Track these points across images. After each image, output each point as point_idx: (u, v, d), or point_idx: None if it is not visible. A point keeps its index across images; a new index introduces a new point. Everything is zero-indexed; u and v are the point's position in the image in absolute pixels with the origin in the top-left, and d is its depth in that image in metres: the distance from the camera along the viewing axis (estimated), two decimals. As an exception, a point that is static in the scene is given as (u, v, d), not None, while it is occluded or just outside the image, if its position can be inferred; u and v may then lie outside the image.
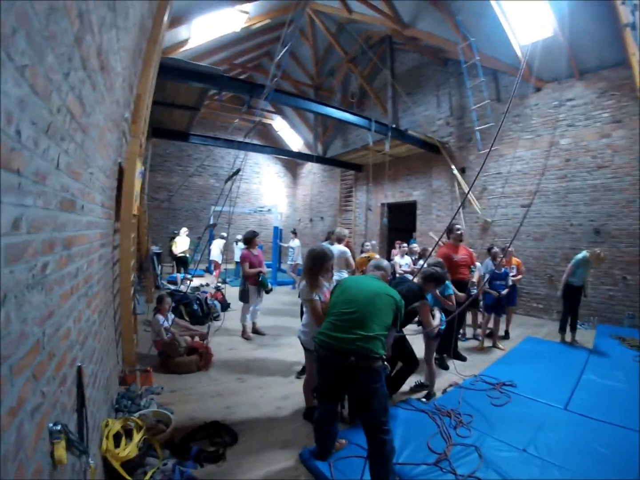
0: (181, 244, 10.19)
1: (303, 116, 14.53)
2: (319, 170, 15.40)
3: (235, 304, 6.57)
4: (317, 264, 2.92)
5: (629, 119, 6.35)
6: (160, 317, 4.11)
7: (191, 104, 7.29)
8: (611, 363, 4.51)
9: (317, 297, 2.88)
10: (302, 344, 3.11)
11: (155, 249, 9.49)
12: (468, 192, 6.31)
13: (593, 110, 6.82)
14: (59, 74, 1.23)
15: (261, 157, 16.62)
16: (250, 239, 5.50)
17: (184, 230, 10.40)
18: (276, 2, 8.97)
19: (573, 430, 2.93)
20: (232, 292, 7.37)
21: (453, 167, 9.01)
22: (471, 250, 5.34)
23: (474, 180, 4.72)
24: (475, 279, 4.94)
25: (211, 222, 5.10)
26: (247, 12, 8.18)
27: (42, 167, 1.11)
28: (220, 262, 10.26)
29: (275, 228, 11.59)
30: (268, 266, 8.27)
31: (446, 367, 4.43)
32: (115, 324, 3.28)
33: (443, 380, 3.99)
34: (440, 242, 5.12)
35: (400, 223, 12.48)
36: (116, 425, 2.33)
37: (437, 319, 3.43)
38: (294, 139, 15.85)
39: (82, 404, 1.61)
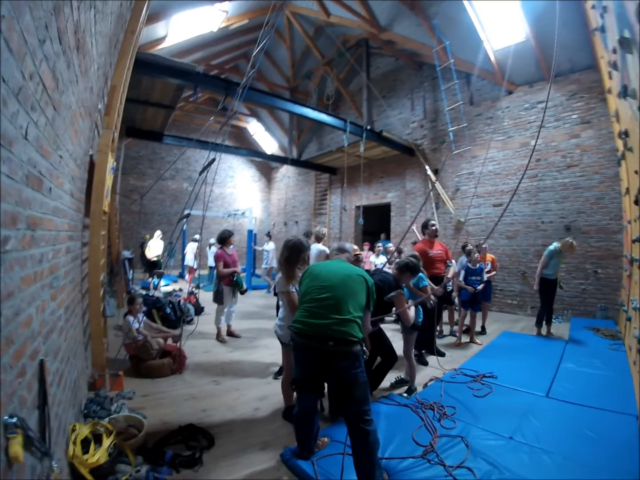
0: (154, 247, 9.88)
1: (278, 119, 14.50)
2: (294, 174, 15.38)
3: (209, 308, 6.45)
4: (293, 255, 2.90)
5: (598, 120, 6.65)
6: (131, 318, 3.91)
7: (166, 102, 7.08)
8: (588, 352, 4.64)
9: (293, 289, 2.87)
10: (278, 338, 3.04)
11: (126, 253, 9.12)
12: (431, 191, 6.41)
13: (563, 112, 7.11)
14: (35, 38, 1.22)
15: (235, 161, 16.47)
16: (224, 238, 5.41)
17: (157, 234, 10.08)
18: (255, 3, 8.92)
19: (557, 416, 2.97)
20: (205, 297, 7.34)
21: (427, 168, 9.16)
22: (446, 245, 5.40)
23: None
24: (450, 275, 5.01)
25: (185, 213, 4.89)
26: (225, 12, 8.10)
27: (9, 130, 1.07)
28: (194, 266, 9.97)
29: (250, 232, 11.41)
30: (242, 270, 8.13)
31: (425, 363, 4.44)
32: (83, 325, 3.09)
33: (423, 376, 3.99)
34: (417, 237, 5.18)
35: (374, 225, 12.61)
36: (84, 430, 2.17)
37: (413, 311, 3.41)
38: (268, 143, 15.78)
39: (44, 402, 1.50)
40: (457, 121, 8.20)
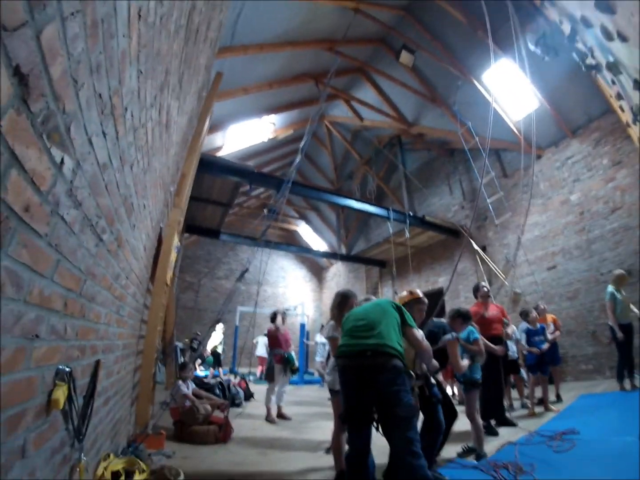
0: (214, 338, 10.29)
1: (326, 220, 15.51)
2: (344, 271, 15.64)
3: (259, 396, 6.36)
4: (343, 300, 3.15)
5: (627, 157, 6.56)
6: (181, 383, 3.94)
7: (224, 200, 8.05)
8: None
9: (337, 335, 2.98)
10: (327, 386, 3.11)
11: (179, 344, 9.45)
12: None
13: (592, 160, 7.10)
14: (149, 101, 1.69)
15: (286, 262, 17.26)
16: (274, 317, 5.67)
17: (220, 326, 10.47)
18: (298, 115, 10.43)
19: None
20: (255, 388, 7.34)
21: (475, 245, 9.07)
22: (501, 305, 5.11)
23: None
24: (509, 331, 4.67)
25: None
26: (273, 123, 9.58)
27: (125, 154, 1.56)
28: (266, 356, 10.11)
29: (302, 326, 11.40)
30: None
31: (495, 434, 3.88)
32: (133, 381, 3.18)
33: (493, 446, 3.44)
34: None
35: (430, 312, 12.02)
36: (118, 462, 2.10)
37: (466, 362, 3.17)
38: (318, 243, 16.49)
39: (91, 395, 1.56)
40: (494, 195, 8.35)
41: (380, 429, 2.11)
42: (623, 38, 1.87)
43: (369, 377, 2.09)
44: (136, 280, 2.60)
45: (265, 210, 6.24)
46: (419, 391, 2.62)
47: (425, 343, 2.47)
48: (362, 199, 9.58)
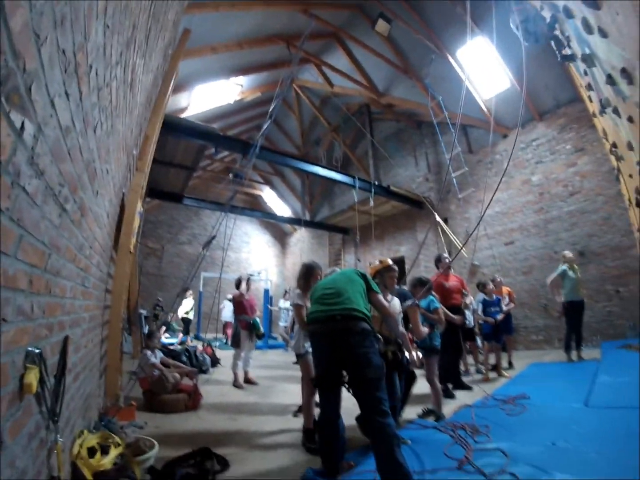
0: (185, 305, 10.34)
1: (290, 185, 15.31)
2: (308, 237, 15.74)
3: (225, 361, 6.39)
4: (309, 271, 3.35)
5: (591, 146, 6.95)
6: (149, 353, 3.88)
7: (188, 164, 7.69)
8: (623, 365, 4.35)
9: (301, 303, 3.16)
10: (293, 350, 3.39)
11: (143, 312, 9.26)
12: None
13: (556, 145, 7.47)
14: (115, 58, 1.55)
15: (250, 227, 17.06)
16: (239, 283, 5.64)
17: (189, 293, 10.45)
18: (267, 78, 10.00)
19: (601, 421, 2.75)
20: (221, 354, 7.31)
21: (437, 217, 9.35)
22: (461, 277, 5.38)
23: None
24: (468, 301, 4.96)
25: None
26: (241, 85, 9.10)
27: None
28: (232, 321, 10.23)
29: (266, 291, 11.46)
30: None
31: (452, 396, 4.20)
32: (100, 352, 3.09)
33: (451, 408, 3.72)
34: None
35: (399, 280, 12.48)
36: (92, 438, 2.07)
37: (426, 330, 3.35)
38: (282, 209, 16.40)
39: (62, 373, 1.50)
40: (459, 170, 8.57)
41: (350, 391, 2.21)
42: (604, 34, 1.90)
43: (339, 340, 2.19)
44: (100, 249, 2.47)
45: (230, 175, 5.99)
46: (392, 356, 2.76)
47: (392, 309, 2.63)
48: (329, 166, 9.48)
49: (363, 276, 2.59)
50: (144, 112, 3.39)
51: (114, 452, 2.04)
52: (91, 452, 1.97)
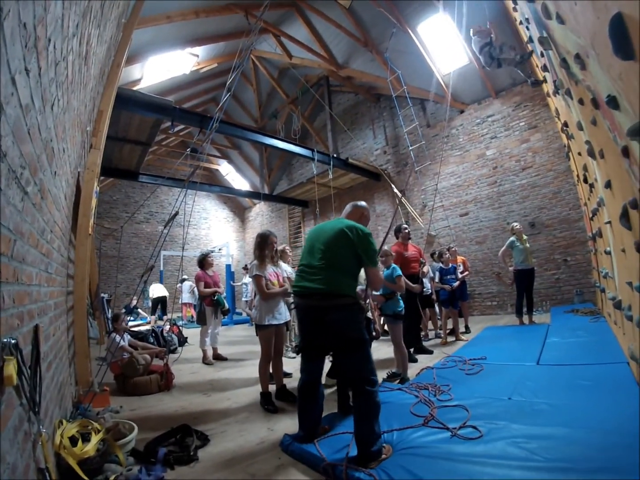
0: (157, 290, 10.96)
1: (248, 159, 14.97)
2: (267, 211, 15.65)
3: (193, 339, 6.37)
4: (262, 241, 3.44)
5: (543, 123, 7.41)
6: (116, 336, 3.80)
7: (143, 139, 7.27)
8: (571, 327, 4.83)
9: (260, 273, 3.31)
10: (254, 322, 3.40)
11: (104, 295, 8.92)
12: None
13: (511, 121, 7.87)
14: (71, 30, 1.46)
15: (209, 203, 16.65)
16: (202, 260, 5.47)
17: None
18: (223, 48, 9.52)
19: (551, 376, 3.06)
20: (187, 332, 7.29)
21: (394, 188, 9.62)
22: (419, 246, 5.61)
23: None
24: (425, 270, 5.20)
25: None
26: (196, 55, 8.60)
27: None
28: (192, 302, 10.57)
29: (228, 266, 11.35)
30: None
31: (415, 360, 4.46)
32: (68, 340, 2.99)
33: (413, 371, 3.98)
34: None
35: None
36: (72, 427, 2.05)
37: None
38: (240, 183, 16.07)
39: (36, 362, 1.46)
40: (416, 143, 8.80)
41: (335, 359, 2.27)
42: (561, 20, 2.01)
43: (321, 316, 2.19)
44: (59, 232, 2.35)
45: (188, 150, 5.76)
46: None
47: (381, 282, 2.54)
48: (287, 139, 9.35)
49: (356, 242, 2.22)
50: (97, 86, 3.17)
51: (95, 439, 2.03)
52: (72, 441, 1.96)
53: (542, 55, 3.81)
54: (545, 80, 4.73)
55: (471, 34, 5.35)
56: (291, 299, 2.81)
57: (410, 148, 8.61)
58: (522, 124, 7.70)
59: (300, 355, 2.49)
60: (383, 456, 2.01)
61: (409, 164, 9.45)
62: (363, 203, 2.66)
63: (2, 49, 0.85)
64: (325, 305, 2.18)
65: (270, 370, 3.44)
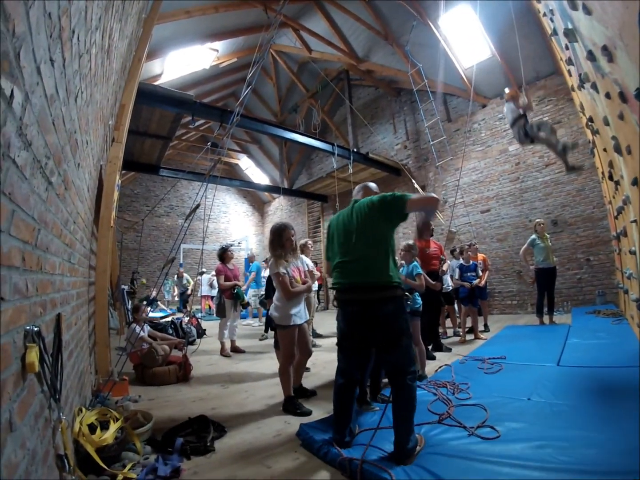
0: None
1: (268, 153, 15.01)
2: (286, 205, 15.66)
3: (211, 331, 6.41)
4: (276, 236, 3.08)
5: (567, 118, 7.17)
6: (137, 327, 3.87)
7: (164, 133, 7.38)
8: (592, 329, 4.69)
9: (283, 271, 2.95)
10: (275, 321, 3.06)
11: (125, 287, 9.11)
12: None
13: (534, 116, 7.52)
14: (94, 23, 1.46)
15: (229, 197, 16.79)
16: (222, 254, 5.48)
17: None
18: (243, 43, 9.58)
19: (571, 378, 2.98)
20: (205, 324, 7.33)
21: (415, 184, 9.47)
22: (439, 243, 5.53)
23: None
24: (445, 268, 5.13)
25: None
26: (216, 50, 8.67)
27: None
28: (210, 294, 10.76)
29: (247, 259, 11.42)
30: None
31: (433, 357, 4.40)
32: (89, 330, 3.07)
33: (431, 368, 3.92)
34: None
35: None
36: (91, 415, 2.10)
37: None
38: (260, 177, 16.14)
39: (58, 350, 1.48)
40: (437, 138, 8.63)
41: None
42: (588, 11, 1.91)
43: (367, 310, 2.09)
44: (82, 224, 2.40)
45: (209, 144, 5.80)
46: None
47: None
48: (307, 133, 9.32)
49: (379, 202, 2.10)
50: (119, 80, 3.22)
51: (113, 427, 2.06)
52: (91, 428, 1.99)
53: (566, 48, 3.65)
54: (570, 74, 4.52)
55: (505, 99, 5.19)
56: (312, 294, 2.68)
57: (432, 143, 8.45)
58: (545, 119, 7.40)
59: (337, 352, 2.35)
60: (418, 448, 2.00)
61: (429, 159, 9.29)
62: (373, 184, 2.56)
63: (28, 38, 0.85)
64: (372, 298, 2.07)
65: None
